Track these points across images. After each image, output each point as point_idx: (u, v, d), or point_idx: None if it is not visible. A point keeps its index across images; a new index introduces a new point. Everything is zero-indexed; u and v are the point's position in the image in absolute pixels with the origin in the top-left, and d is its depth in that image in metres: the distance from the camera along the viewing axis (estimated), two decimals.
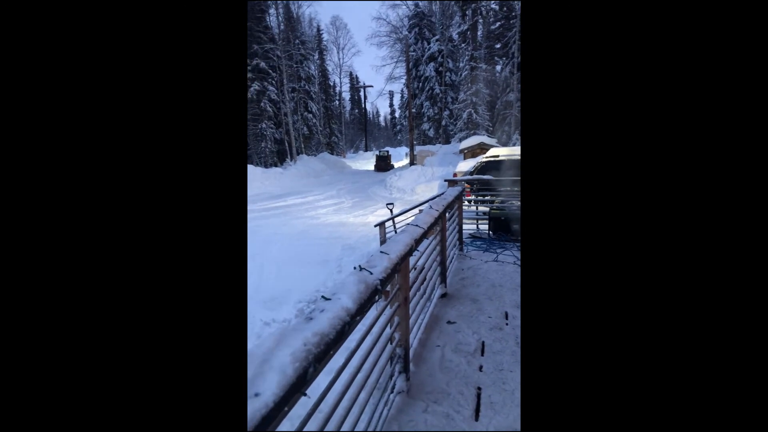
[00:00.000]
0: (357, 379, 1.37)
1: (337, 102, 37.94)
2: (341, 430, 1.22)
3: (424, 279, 2.56)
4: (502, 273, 3.84)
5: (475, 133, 20.33)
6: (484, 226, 5.87)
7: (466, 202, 6.31)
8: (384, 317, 1.76)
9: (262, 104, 21.18)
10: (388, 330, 1.83)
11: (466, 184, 5.79)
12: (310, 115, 28.08)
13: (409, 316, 2.03)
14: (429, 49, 26.81)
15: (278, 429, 0.79)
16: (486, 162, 7.76)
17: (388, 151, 27.64)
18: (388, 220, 7.02)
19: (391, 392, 1.93)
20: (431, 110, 26.95)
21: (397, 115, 51.82)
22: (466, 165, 11.57)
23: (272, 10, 23.04)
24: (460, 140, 20.58)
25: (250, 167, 17.83)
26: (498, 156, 7.81)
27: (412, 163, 22.15)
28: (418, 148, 23.89)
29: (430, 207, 2.83)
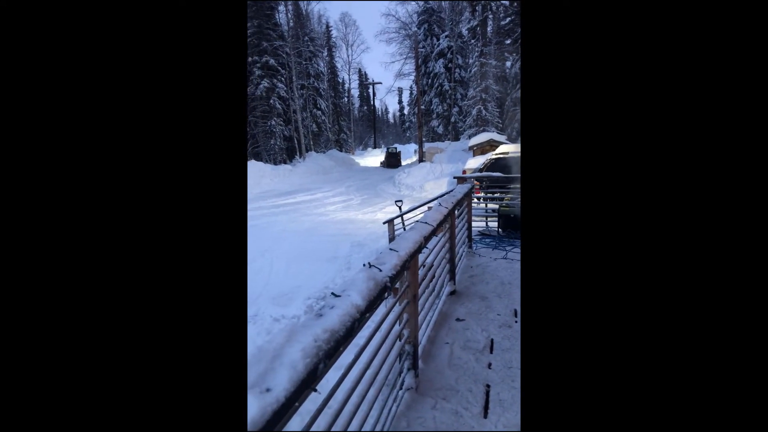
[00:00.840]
0: (366, 375, 1.38)
1: (346, 99, 37.94)
2: (350, 425, 1.23)
3: (433, 276, 2.56)
4: (511, 270, 3.82)
5: (484, 130, 20.18)
6: (494, 224, 5.84)
7: (476, 200, 6.29)
8: (393, 314, 1.77)
9: (271, 101, 21.24)
10: (397, 327, 1.83)
11: (475, 181, 5.77)
12: (319, 112, 28.12)
13: (418, 313, 2.04)
14: (438, 46, 26.65)
15: (288, 424, 0.80)
16: (496, 159, 7.72)
17: (396, 148, 27.74)
18: (396, 217, 7.03)
19: (400, 389, 1.94)
20: (440, 107, 26.82)
21: (405, 112, 51.74)
22: (476, 162, 11.50)
23: (281, 7, 23.07)
24: (470, 137, 20.43)
25: (259, 164, 17.90)
26: (508, 153, 7.77)
27: (421, 160, 22.09)
28: (427, 145, 23.80)
29: (439, 204, 2.82)
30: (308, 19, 29.80)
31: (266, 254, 7.35)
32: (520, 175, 6.07)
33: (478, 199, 6.42)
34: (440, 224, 2.41)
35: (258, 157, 20.69)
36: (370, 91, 44.55)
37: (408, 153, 34.09)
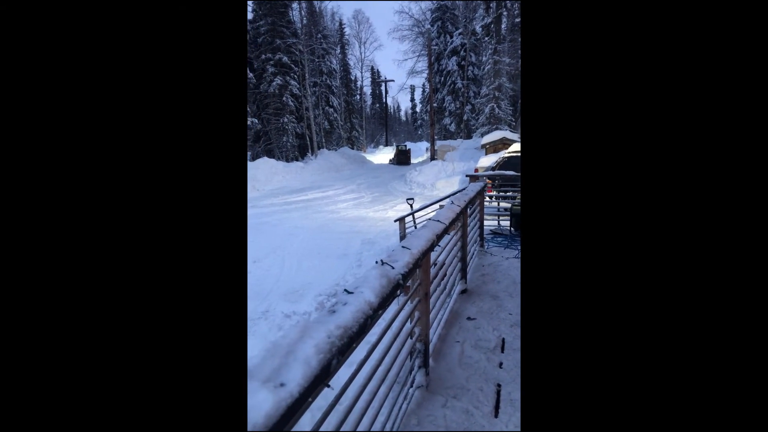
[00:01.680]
0: (378, 372, 1.38)
1: (358, 96, 37.97)
2: (361, 422, 1.23)
3: (445, 275, 2.55)
4: None
5: (497, 128, 20.02)
6: (506, 223, 5.80)
7: (488, 198, 6.25)
8: (405, 312, 1.77)
9: (284, 99, 21.35)
10: (408, 324, 1.83)
11: (487, 180, 5.73)
12: (332, 110, 28.19)
13: (430, 311, 2.03)
14: (451, 43, 26.51)
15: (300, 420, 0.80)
16: (508, 157, 7.66)
17: (406, 146, 27.94)
18: (408, 215, 7.01)
19: (411, 386, 1.93)
20: (453, 105, 26.70)
21: (418, 109, 51.56)
22: (488, 160, 11.43)
23: (295, 4, 23.13)
24: (482, 135, 20.30)
25: (271, 161, 18.00)
26: (520, 151, 7.71)
27: (432, 158, 22.01)
28: (439, 143, 23.73)
29: (452, 203, 2.81)
30: (321, 16, 29.90)
31: (278, 251, 7.40)
32: None
33: (490, 197, 6.38)
34: (453, 222, 2.40)
35: (270, 154, 20.82)
36: (383, 88, 44.52)
37: (419, 151, 34.08)
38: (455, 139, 24.53)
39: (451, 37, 26.90)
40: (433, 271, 2.13)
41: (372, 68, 46.39)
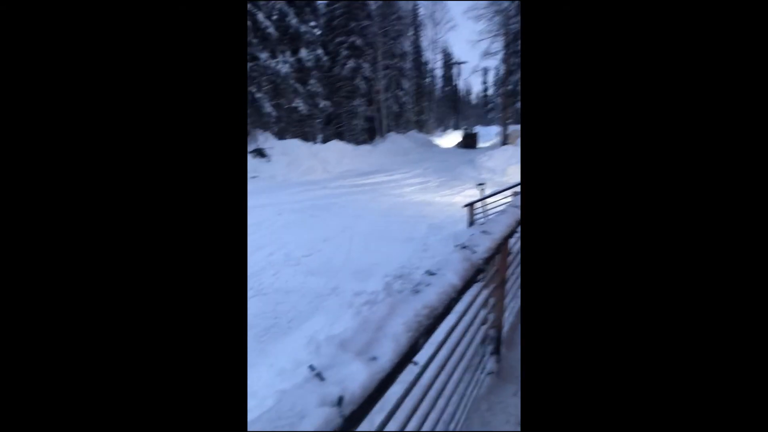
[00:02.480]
0: (455, 353, 1.39)
1: (429, 79, 37.39)
2: (439, 400, 1.25)
3: (519, 263, 2.48)
4: None
5: None
6: None
7: None
8: (481, 297, 1.75)
9: (355, 82, 21.60)
10: (483, 310, 1.81)
11: None
12: (402, 93, 28.08)
13: (504, 298, 1.99)
14: None
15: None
16: None
17: (473, 129, 28.53)
18: (478, 200, 6.85)
19: (482, 372, 1.92)
20: None
21: (489, 92, 49.81)
22: None
23: None
24: None
25: (341, 144, 18.37)
26: None
27: (504, 142, 21.27)
28: (511, 128, 22.86)
29: None
30: None
31: (346, 231, 7.62)
32: None
33: None
34: None
35: (340, 137, 21.21)
36: (454, 71, 43.46)
37: (488, 135, 33.15)
38: None
39: None
40: (509, 258, 2.07)
41: (444, 50, 45.37)
